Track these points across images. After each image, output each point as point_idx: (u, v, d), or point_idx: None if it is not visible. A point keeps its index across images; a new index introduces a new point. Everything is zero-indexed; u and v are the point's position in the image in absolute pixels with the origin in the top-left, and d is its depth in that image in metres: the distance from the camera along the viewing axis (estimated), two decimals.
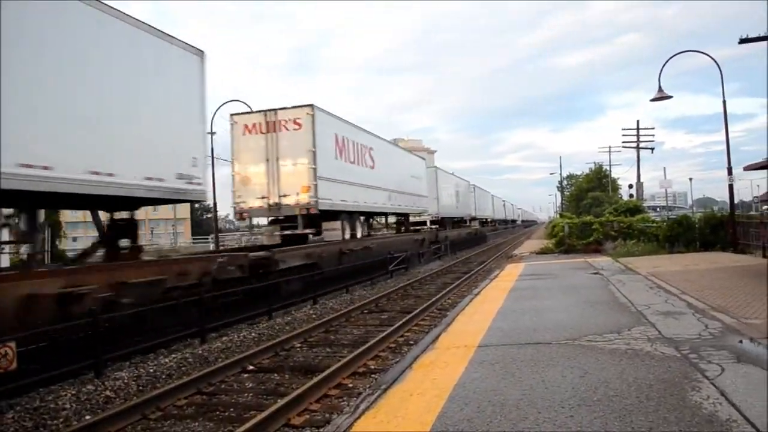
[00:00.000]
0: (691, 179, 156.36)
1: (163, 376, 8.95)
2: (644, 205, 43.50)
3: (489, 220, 70.40)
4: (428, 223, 39.13)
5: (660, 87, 21.37)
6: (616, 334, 7.52)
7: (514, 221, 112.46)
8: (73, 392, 7.92)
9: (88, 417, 7.18)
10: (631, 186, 48.05)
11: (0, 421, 6.96)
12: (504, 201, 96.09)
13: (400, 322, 11.96)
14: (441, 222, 41.17)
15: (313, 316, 14.22)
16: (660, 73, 21.63)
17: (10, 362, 7.51)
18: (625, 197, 49.15)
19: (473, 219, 56.27)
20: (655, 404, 4.72)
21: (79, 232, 54.01)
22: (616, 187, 65.24)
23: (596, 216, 33.23)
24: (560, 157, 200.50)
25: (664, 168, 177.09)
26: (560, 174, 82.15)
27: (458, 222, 49.34)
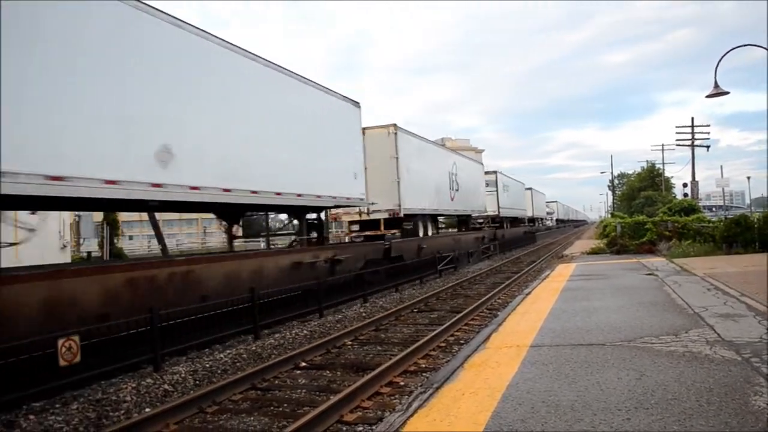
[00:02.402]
0: (749, 178, 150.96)
1: (219, 371, 9.15)
2: (699, 204, 42.40)
3: (541, 219, 70.66)
4: (489, 222, 41.82)
5: (716, 83, 20.70)
6: (672, 337, 7.37)
7: (564, 221, 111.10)
8: (133, 385, 8.15)
9: (147, 409, 7.38)
10: (685, 185, 46.96)
11: (65, 411, 7.23)
12: (555, 201, 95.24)
13: (450, 322, 11.94)
14: (501, 221, 44.56)
15: (363, 314, 14.32)
16: (716, 69, 20.98)
17: (75, 355, 7.80)
18: (679, 196, 48.04)
19: (530, 219, 57.50)
20: (715, 409, 4.61)
21: (135, 231, 55.61)
22: (669, 186, 63.82)
23: (649, 216, 32.49)
24: (611, 155, 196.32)
25: (721, 166, 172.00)
26: (611, 173, 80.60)
27: (514, 221, 51.68)
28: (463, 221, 35.96)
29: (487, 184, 39.81)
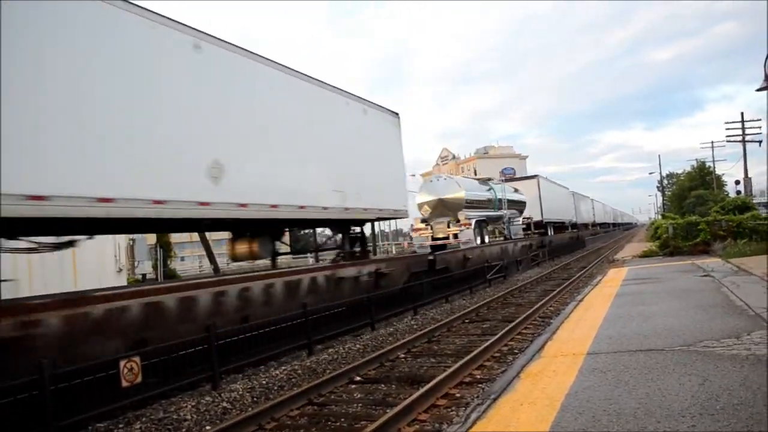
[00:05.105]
0: None
1: (275, 388, 9.27)
2: (754, 201, 41.17)
3: (589, 224, 69.41)
4: (532, 227, 41.10)
5: (767, 75, 20.10)
6: (734, 339, 7.17)
7: (612, 224, 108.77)
8: (193, 404, 8.33)
9: (208, 427, 7.54)
10: (737, 182, 45.72)
11: (129, 431, 7.43)
12: (603, 204, 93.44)
13: (503, 331, 11.85)
14: (544, 227, 43.81)
15: (415, 326, 14.32)
16: (765, 62, 20.38)
17: (136, 376, 8.03)
18: (732, 194, 46.76)
19: (574, 224, 56.47)
20: None
21: (186, 252, 56.78)
22: (721, 185, 62.17)
23: (702, 215, 31.67)
24: (659, 155, 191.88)
25: None
26: (660, 173, 78.63)
27: (559, 227, 50.77)
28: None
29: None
